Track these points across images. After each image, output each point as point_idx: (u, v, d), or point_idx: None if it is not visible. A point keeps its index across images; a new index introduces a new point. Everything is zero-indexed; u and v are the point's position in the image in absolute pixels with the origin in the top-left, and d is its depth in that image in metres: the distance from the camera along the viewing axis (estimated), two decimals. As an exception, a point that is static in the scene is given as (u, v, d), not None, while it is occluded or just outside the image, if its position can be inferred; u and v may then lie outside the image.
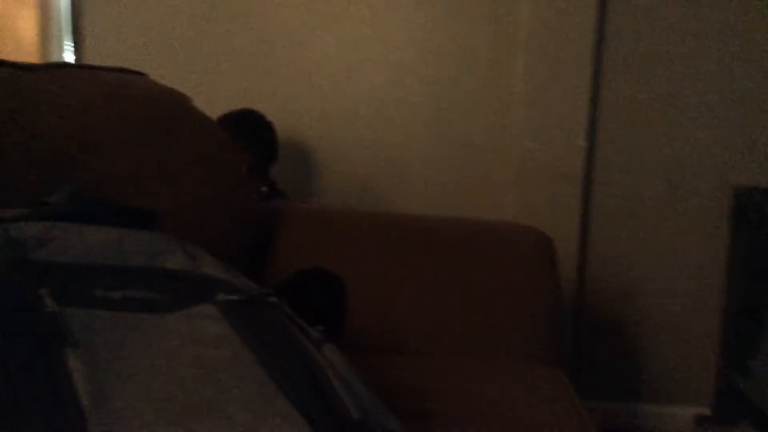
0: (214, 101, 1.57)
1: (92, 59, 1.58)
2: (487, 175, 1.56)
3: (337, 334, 0.64)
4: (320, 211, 1.10)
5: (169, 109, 0.93)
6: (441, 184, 1.56)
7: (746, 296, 1.40)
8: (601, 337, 1.60)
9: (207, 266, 0.60)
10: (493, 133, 1.54)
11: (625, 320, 1.60)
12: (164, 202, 0.78)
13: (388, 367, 0.82)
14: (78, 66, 0.89)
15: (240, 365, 0.52)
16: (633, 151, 1.54)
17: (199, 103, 1.02)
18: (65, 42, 1.58)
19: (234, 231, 0.90)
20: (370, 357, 0.80)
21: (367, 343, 0.87)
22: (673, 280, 1.56)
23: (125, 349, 0.48)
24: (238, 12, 1.56)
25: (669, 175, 1.54)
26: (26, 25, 1.54)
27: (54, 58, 1.58)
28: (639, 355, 1.60)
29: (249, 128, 1.42)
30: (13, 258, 0.49)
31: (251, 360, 0.53)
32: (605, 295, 1.59)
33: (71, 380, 0.43)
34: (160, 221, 0.63)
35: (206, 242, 0.64)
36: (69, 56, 1.59)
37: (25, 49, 1.54)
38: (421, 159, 1.57)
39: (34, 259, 0.51)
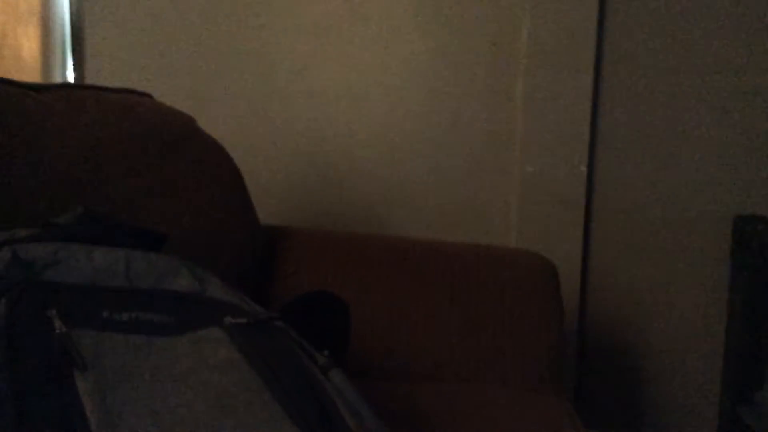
0: (216, 122, 1.58)
1: (93, 78, 1.58)
2: (490, 200, 1.56)
3: (342, 359, 0.64)
4: (323, 233, 1.09)
5: (175, 130, 0.93)
6: (444, 208, 1.57)
7: (749, 326, 1.40)
8: (604, 366, 1.59)
9: (214, 289, 0.60)
10: (495, 159, 1.55)
11: (628, 349, 1.59)
12: (171, 223, 0.78)
13: (392, 393, 0.81)
14: (84, 86, 0.90)
15: (247, 389, 0.52)
16: (633, 178, 1.54)
17: (202, 124, 1.02)
18: (68, 61, 1.59)
19: (240, 253, 0.90)
20: (374, 382, 0.80)
21: (371, 368, 0.87)
22: (675, 308, 1.56)
23: (133, 372, 0.47)
24: (241, 35, 1.57)
25: (669, 203, 1.54)
26: (29, 44, 1.55)
27: (57, 78, 1.59)
28: (642, 384, 1.59)
29: None
30: (23, 279, 0.49)
31: (258, 384, 0.53)
32: (608, 322, 1.58)
33: (80, 402, 0.43)
34: (167, 243, 0.63)
35: (213, 264, 0.64)
36: (71, 75, 1.59)
37: (27, 67, 1.54)
38: (422, 183, 1.57)
39: (43, 280, 0.51)
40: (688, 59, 1.51)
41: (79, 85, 1.19)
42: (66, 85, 0.88)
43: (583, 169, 1.50)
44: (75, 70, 1.61)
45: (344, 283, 0.91)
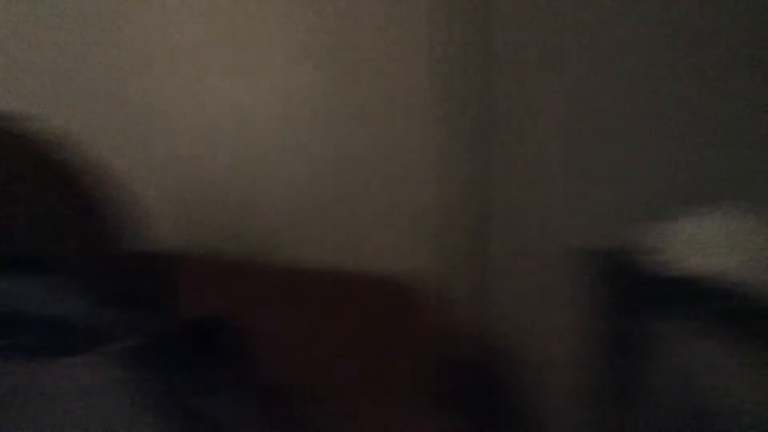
0: (101, 146, 1.54)
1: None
2: (386, 229, 1.60)
3: (231, 381, 0.66)
4: (216, 259, 1.11)
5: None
6: (343, 235, 1.59)
7: (611, 354, 1.49)
8: (498, 389, 1.66)
9: (101, 313, 0.61)
10: (390, 188, 1.60)
11: (518, 372, 1.67)
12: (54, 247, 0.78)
13: (276, 414, 0.84)
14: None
15: (133, 410, 0.53)
16: (517, 210, 1.63)
17: (91, 150, 1.01)
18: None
19: (129, 278, 0.90)
20: (260, 404, 0.82)
21: (257, 390, 0.89)
22: (549, 337, 1.65)
23: (15, 397, 0.48)
24: (134, 62, 1.54)
25: (537, 238, 1.62)
26: None
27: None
28: (528, 406, 1.67)
29: None
30: None
31: (145, 404, 0.54)
32: (502, 347, 1.66)
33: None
34: (53, 267, 0.64)
35: (100, 289, 0.65)
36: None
37: None
38: (317, 210, 1.59)
39: None
40: (566, 101, 1.63)
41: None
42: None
43: (478, 200, 1.59)
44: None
45: (236, 306, 0.93)
